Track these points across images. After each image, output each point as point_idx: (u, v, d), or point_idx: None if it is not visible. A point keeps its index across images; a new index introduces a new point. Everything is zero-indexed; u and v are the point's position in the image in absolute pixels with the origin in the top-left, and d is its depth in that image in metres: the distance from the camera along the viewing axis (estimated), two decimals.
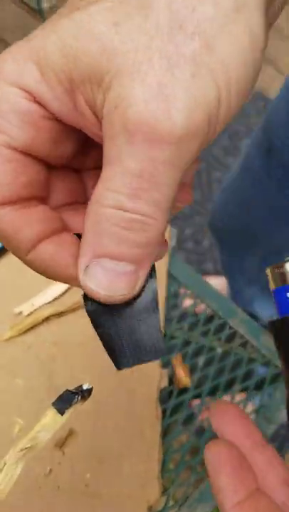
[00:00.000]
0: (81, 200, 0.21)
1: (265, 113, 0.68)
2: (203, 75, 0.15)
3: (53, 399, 0.23)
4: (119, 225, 0.16)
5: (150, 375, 0.50)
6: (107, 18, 0.16)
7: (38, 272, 0.20)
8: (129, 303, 0.19)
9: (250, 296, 0.99)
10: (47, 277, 0.19)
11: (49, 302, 0.53)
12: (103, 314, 0.19)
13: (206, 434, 0.49)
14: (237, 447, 0.21)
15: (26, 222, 0.18)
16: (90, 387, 0.23)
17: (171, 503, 0.46)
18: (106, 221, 0.16)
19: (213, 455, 0.21)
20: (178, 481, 0.47)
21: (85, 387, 0.23)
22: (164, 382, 0.50)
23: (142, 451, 0.47)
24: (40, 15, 1.59)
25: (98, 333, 0.20)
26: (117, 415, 0.48)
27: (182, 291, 0.58)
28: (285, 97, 0.62)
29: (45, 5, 1.83)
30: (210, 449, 0.21)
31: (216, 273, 1.26)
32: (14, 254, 0.19)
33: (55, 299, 0.53)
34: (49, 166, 0.20)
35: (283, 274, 0.23)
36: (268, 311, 1.18)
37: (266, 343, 0.54)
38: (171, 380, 0.52)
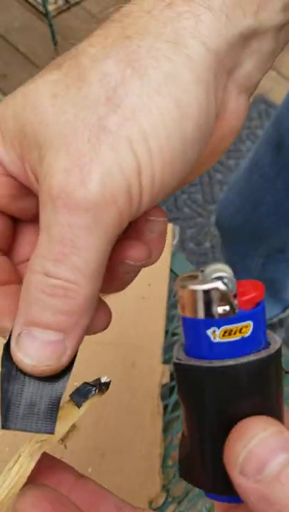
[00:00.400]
0: None
1: (268, 115, 0.68)
2: (121, 146, 0.16)
3: None
4: (45, 292, 0.17)
5: (152, 371, 0.51)
6: (48, 90, 0.17)
7: None
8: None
9: None
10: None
11: None
12: (14, 370, 0.19)
13: None
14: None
15: None
16: (109, 380, 0.22)
17: (171, 498, 0.46)
18: (34, 288, 0.17)
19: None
20: (178, 478, 0.47)
21: (103, 380, 0.22)
22: (166, 378, 0.51)
23: (143, 447, 0.47)
24: (45, 17, 1.60)
25: (1, 387, 0.19)
26: (119, 411, 0.48)
27: None
28: None
29: (51, 7, 1.84)
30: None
31: None
32: None
33: None
34: (15, 220, 0.20)
35: (208, 297, 0.17)
36: (268, 312, 1.18)
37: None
38: (173, 376, 0.52)
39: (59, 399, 0.19)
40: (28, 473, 0.20)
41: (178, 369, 0.19)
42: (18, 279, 0.21)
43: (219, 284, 0.17)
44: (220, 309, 0.17)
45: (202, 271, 0.18)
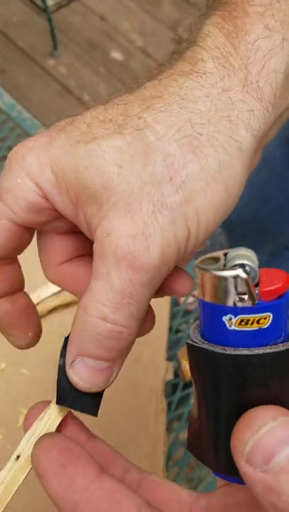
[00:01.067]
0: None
1: None
2: (179, 221, 0.19)
3: None
4: (101, 334, 0.19)
5: (156, 368, 0.50)
6: (113, 158, 0.19)
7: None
8: None
9: None
10: None
11: (55, 293, 0.52)
12: None
13: None
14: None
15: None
16: None
17: None
18: (90, 328, 0.20)
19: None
20: (182, 475, 0.47)
21: None
22: (170, 375, 0.50)
23: (146, 444, 0.47)
24: (45, 12, 1.59)
25: (58, 373, 0.22)
26: (123, 407, 0.48)
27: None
28: None
29: (50, 2, 1.82)
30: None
31: None
32: None
33: (61, 290, 0.53)
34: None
35: (227, 284, 0.17)
36: None
37: None
38: (176, 373, 0.52)
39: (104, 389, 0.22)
40: (56, 424, 0.21)
41: (191, 350, 0.18)
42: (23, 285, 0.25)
43: (240, 272, 0.17)
44: (238, 298, 0.17)
45: (225, 254, 0.18)
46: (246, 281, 0.17)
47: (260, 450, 0.15)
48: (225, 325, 0.17)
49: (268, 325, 0.17)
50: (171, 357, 0.52)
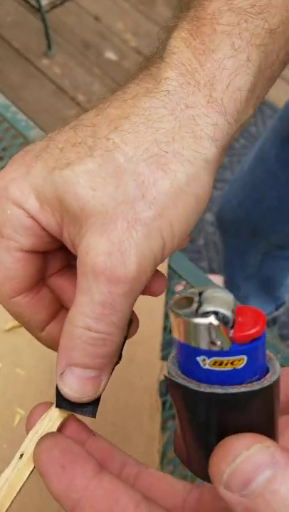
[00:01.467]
0: (64, 266, 0.27)
1: (262, 113, 0.68)
2: (153, 235, 0.21)
3: (54, 389, 0.23)
4: (86, 342, 0.21)
5: (150, 367, 0.51)
6: (87, 182, 0.21)
7: (47, 346, 0.26)
8: None
9: (247, 294, 1.00)
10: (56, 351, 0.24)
11: None
12: None
13: None
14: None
15: (36, 309, 0.24)
16: None
17: None
18: (76, 338, 0.21)
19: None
20: (177, 473, 0.47)
21: None
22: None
23: (141, 443, 0.47)
24: (39, 11, 1.59)
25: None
26: (117, 407, 0.48)
27: (182, 285, 0.58)
28: None
29: (44, 2, 1.82)
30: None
31: (211, 272, 1.27)
32: (29, 331, 0.26)
33: None
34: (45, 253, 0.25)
35: (200, 330, 0.17)
36: (261, 309, 1.18)
37: (266, 339, 0.55)
38: None
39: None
40: (57, 424, 0.23)
41: (168, 382, 0.19)
42: (60, 302, 0.26)
43: (212, 320, 0.17)
44: (211, 343, 0.17)
45: (200, 293, 0.18)
46: (219, 327, 0.17)
47: (238, 477, 0.16)
48: (199, 364, 0.17)
49: (242, 366, 0.17)
50: (165, 356, 0.52)
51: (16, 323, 0.51)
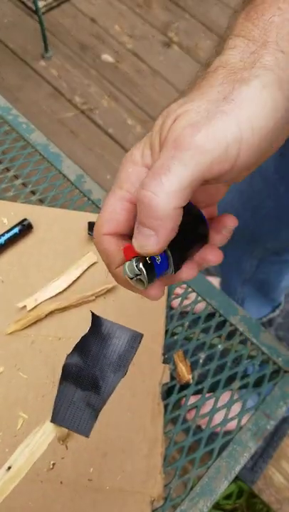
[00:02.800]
0: None
1: None
2: (230, 122, 0.24)
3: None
4: (143, 202, 0.24)
5: (152, 371, 0.51)
6: (186, 121, 0.25)
7: (117, 281, 0.29)
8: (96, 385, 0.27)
9: (243, 296, 1.00)
10: (126, 288, 0.29)
11: (52, 297, 0.53)
12: (77, 378, 0.26)
13: (206, 432, 0.50)
14: None
15: (118, 249, 0.28)
16: None
17: (172, 497, 0.46)
18: (138, 200, 0.25)
19: None
20: (178, 476, 0.47)
21: None
22: (166, 378, 0.51)
23: (144, 446, 0.47)
24: (35, 13, 1.58)
25: (60, 387, 0.25)
26: (120, 410, 0.48)
27: (182, 288, 0.58)
28: None
29: (40, 4, 1.82)
30: None
31: (207, 274, 1.27)
32: (106, 265, 0.29)
33: (58, 294, 0.53)
34: None
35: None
36: (257, 311, 1.18)
37: (265, 341, 0.55)
38: (172, 375, 0.52)
39: (100, 409, 0.26)
40: (49, 440, 0.23)
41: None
42: None
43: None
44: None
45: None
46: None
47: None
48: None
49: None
50: (167, 360, 0.53)
51: (17, 326, 0.51)
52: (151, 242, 0.26)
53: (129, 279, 0.27)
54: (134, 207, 0.28)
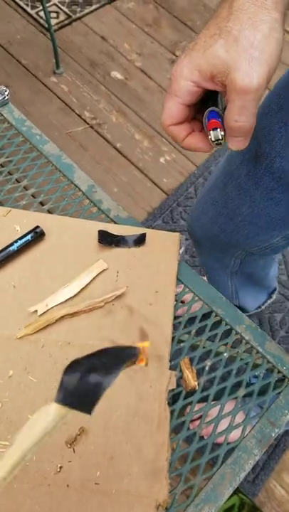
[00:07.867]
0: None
1: None
2: (263, 63, 0.37)
3: None
4: (234, 129, 0.40)
5: (159, 377, 0.51)
6: (223, 50, 0.38)
7: (185, 147, 0.45)
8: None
9: (235, 289, 0.99)
10: (190, 150, 0.45)
11: (62, 303, 0.54)
12: (82, 367, 0.29)
13: (210, 438, 0.50)
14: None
15: (182, 131, 0.44)
16: None
17: (178, 502, 0.47)
18: (229, 127, 0.40)
19: None
20: (185, 481, 0.48)
21: None
22: (173, 384, 0.52)
23: (150, 451, 0.48)
24: (48, 30, 1.63)
25: (63, 378, 0.28)
26: (127, 415, 0.49)
27: (189, 296, 0.59)
28: (275, 101, 0.60)
29: (53, 21, 1.87)
30: None
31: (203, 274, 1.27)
32: (174, 140, 0.45)
33: (68, 300, 0.54)
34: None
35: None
36: (253, 300, 1.15)
37: (270, 350, 0.56)
38: (178, 382, 0.53)
39: (104, 389, 0.27)
40: (54, 423, 0.27)
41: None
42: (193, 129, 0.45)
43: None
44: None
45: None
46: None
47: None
48: None
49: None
50: (173, 366, 0.53)
51: (28, 331, 0.52)
52: (245, 141, 0.41)
53: (211, 142, 0.42)
54: (183, 107, 0.42)
